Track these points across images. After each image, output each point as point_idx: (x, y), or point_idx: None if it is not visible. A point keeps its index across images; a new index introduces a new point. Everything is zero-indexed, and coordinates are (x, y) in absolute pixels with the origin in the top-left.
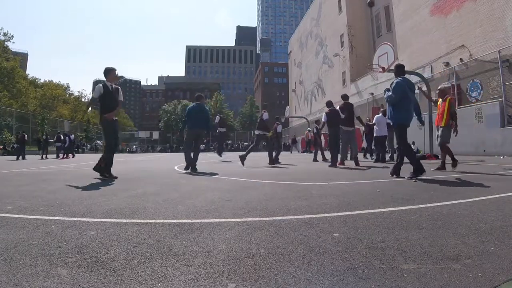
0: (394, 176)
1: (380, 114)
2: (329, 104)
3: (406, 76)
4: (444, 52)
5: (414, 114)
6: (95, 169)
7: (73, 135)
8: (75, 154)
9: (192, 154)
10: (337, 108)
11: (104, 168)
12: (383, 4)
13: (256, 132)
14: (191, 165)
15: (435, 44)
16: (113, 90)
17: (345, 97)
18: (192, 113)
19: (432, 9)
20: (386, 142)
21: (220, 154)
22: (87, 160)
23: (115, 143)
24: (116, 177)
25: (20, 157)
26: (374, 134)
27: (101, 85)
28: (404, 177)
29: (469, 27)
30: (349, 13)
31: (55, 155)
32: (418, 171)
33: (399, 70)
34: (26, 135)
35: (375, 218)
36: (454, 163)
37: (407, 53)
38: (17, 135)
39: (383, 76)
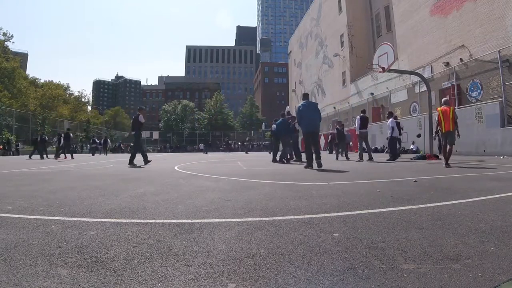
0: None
1: (391, 119)
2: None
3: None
4: (444, 52)
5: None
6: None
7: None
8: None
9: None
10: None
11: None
12: (383, 4)
13: None
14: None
15: (435, 44)
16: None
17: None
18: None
19: (432, 9)
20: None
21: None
22: (88, 160)
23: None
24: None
25: (44, 155)
26: (391, 135)
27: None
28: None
29: (469, 27)
30: (349, 13)
31: (90, 154)
32: (309, 165)
33: (303, 97)
34: (46, 137)
35: (375, 218)
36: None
37: (407, 53)
38: (41, 136)
39: (383, 76)
